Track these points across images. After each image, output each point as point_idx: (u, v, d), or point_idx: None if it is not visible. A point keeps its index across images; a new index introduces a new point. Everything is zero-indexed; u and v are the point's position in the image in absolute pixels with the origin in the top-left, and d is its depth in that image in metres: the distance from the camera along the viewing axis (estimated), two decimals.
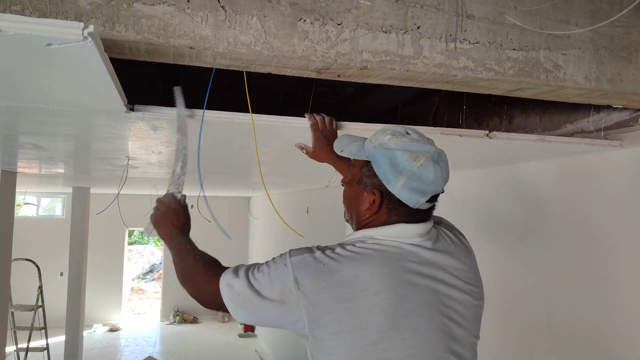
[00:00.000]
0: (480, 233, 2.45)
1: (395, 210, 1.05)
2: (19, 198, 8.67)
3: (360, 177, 1.10)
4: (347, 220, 1.19)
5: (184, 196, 1.31)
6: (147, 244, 17.09)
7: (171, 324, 9.97)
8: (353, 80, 1.21)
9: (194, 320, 10.11)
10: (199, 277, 1.11)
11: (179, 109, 1.26)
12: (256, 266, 1.06)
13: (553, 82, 1.24)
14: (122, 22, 0.94)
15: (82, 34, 0.70)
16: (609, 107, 1.68)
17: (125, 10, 0.94)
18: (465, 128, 1.55)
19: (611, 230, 1.70)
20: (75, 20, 0.73)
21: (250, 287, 1.01)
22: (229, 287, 1.03)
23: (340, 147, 1.16)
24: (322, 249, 1.02)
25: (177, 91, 1.26)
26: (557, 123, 1.93)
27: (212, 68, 1.14)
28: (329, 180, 3.49)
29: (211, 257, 1.17)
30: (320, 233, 5.07)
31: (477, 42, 1.17)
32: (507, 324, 2.24)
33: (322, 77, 1.18)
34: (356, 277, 0.96)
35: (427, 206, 1.06)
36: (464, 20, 1.16)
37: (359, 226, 1.11)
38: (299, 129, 1.39)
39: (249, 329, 9.41)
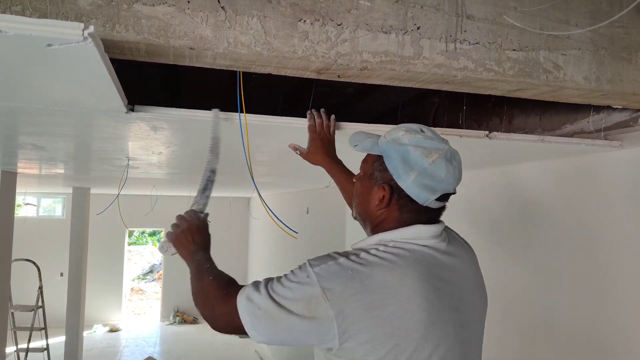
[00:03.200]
0: (479, 233, 2.45)
1: (405, 207, 1.02)
2: (19, 198, 8.67)
3: (371, 172, 1.07)
4: (356, 218, 1.16)
5: (207, 214, 1.27)
6: (147, 244, 17.09)
7: (171, 324, 9.97)
8: (353, 81, 1.21)
9: (194, 321, 10.10)
10: (214, 297, 1.05)
11: (215, 130, 1.28)
12: (274, 280, 1.00)
13: (553, 82, 1.24)
14: (123, 23, 0.94)
15: (83, 34, 0.70)
16: (609, 107, 1.68)
17: (126, 10, 0.95)
18: (465, 128, 1.55)
19: (611, 230, 1.70)
20: (75, 21, 0.73)
21: (272, 300, 0.94)
22: (248, 300, 0.97)
23: (355, 142, 1.14)
24: (345, 255, 0.97)
25: (215, 113, 1.26)
26: (557, 123, 1.93)
27: (230, 70, 1.13)
28: (329, 181, 3.48)
29: (228, 276, 1.11)
30: (320, 233, 5.06)
31: (477, 43, 1.17)
32: (507, 324, 2.24)
33: (322, 77, 1.18)
34: (386, 282, 0.92)
35: (436, 205, 1.04)
36: (464, 21, 1.16)
37: (372, 225, 1.09)
38: (298, 129, 1.39)
39: None
